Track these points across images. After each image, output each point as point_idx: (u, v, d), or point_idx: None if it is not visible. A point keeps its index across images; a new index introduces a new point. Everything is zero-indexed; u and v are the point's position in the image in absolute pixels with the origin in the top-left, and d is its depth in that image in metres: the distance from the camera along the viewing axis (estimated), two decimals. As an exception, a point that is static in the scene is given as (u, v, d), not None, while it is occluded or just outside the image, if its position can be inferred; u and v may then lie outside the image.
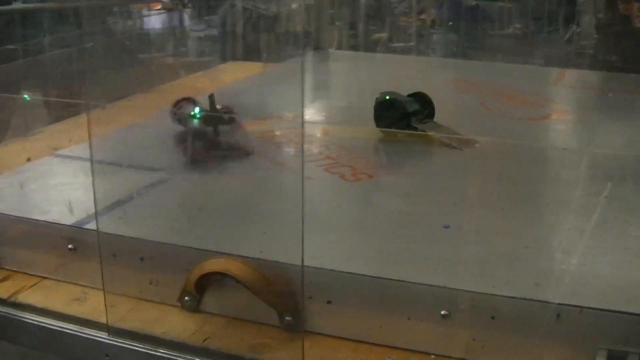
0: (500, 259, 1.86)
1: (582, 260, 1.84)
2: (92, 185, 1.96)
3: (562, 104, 3.52)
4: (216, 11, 6.47)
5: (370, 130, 2.85)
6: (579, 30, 6.49)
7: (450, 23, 6.79)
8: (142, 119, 3.08)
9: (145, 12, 7.44)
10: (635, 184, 2.33)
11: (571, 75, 4.18)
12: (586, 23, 6.04)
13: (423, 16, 7.56)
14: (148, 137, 2.83)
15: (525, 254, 1.87)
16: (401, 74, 4.04)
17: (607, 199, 2.21)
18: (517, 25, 7.38)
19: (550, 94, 3.65)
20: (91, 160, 1.99)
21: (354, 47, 6.93)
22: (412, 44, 7.31)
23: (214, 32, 6.51)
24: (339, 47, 6.16)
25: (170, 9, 7.64)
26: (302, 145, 2.07)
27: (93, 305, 1.89)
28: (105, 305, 1.84)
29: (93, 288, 1.93)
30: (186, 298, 1.83)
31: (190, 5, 7.64)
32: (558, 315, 1.59)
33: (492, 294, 1.65)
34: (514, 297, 1.64)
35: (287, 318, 1.75)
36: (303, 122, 2.05)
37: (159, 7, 7.65)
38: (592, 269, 1.79)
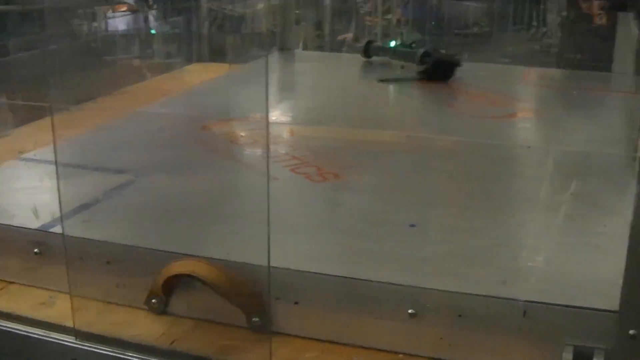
0: (467, 258, 1.87)
1: (548, 257, 1.86)
2: (58, 188, 1.95)
3: (527, 102, 3.54)
4: (181, 13, 6.45)
5: (336, 130, 2.85)
6: (544, 29, 6.53)
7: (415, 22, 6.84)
8: (108, 122, 3.07)
9: (110, 14, 7.42)
10: (600, 181, 2.35)
11: (536, 73, 4.21)
12: (551, 22, 6.08)
13: (389, 16, 7.58)
14: (114, 139, 2.82)
15: (491, 252, 1.88)
16: (367, 74, 4.07)
17: (573, 196, 2.22)
18: (483, 24, 7.41)
19: (515, 93, 3.67)
20: (56, 164, 1.98)
21: (320, 48, 6.96)
22: (378, 44, 7.35)
23: (180, 33, 6.50)
24: (305, 48, 6.18)
25: (136, 10, 7.63)
26: (268, 146, 2.06)
27: (60, 309, 1.88)
28: (72, 309, 1.83)
29: (60, 292, 1.92)
30: (153, 300, 1.83)
31: (155, 7, 7.62)
32: (525, 313, 1.60)
33: (459, 292, 1.66)
34: (481, 295, 1.64)
35: (254, 319, 1.74)
36: (268, 123, 2.05)
37: (124, 8, 7.64)
38: (558, 266, 1.80)
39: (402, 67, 3.87)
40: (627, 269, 1.45)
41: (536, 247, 1.93)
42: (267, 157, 2.13)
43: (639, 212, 1.42)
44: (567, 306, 1.59)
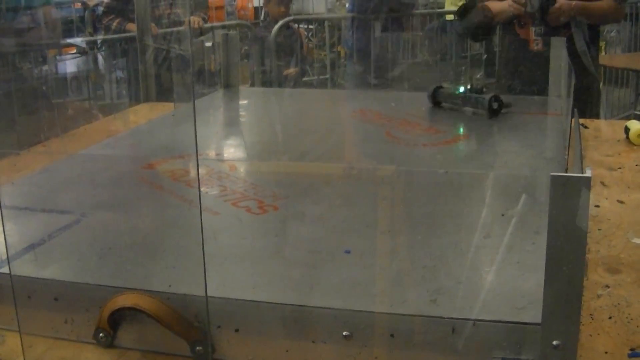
0: (399, 280, 1.94)
1: (477, 276, 1.94)
2: (2, 230, 2.00)
3: (465, 128, 3.62)
4: (129, 53, 6.49)
5: (277, 164, 2.92)
6: (484, 57, 6.64)
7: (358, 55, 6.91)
8: (56, 164, 3.11)
9: (59, 56, 7.42)
10: (530, 201, 2.43)
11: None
12: (490, 49, 6.18)
13: (333, 50, 7.66)
14: (60, 180, 2.86)
15: (423, 273, 1.95)
16: (309, 107, 4.14)
17: (505, 217, 2.30)
18: (423, 55, 7.51)
19: (454, 120, 3.74)
20: (0, 206, 2.03)
21: (266, 84, 7.00)
22: (322, 77, 7.41)
23: (128, 74, 6.54)
24: (252, 84, 6.23)
25: (85, 52, 7.65)
26: (198, 178, 2.13)
27: (10, 347, 1.91)
28: (22, 346, 1.86)
29: (9, 330, 1.94)
30: (100, 334, 1.87)
31: (104, 48, 7.65)
32: (453, 329, 1.67)
33: (390, 313, 1.73)
34: (411, 315, 1.72)
35: (197, 348, 1.80)
36: (197, 158, 2.11)
37: (73, 50, 7.65)
38: (485, 284, 1.87)
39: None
40: (546, 283, 1.53)
41: (467, 266, 2.00)
42: (198, 189, 2.19)
43: (552, 227, 1.50)
44: (492, 321, 1.67)
